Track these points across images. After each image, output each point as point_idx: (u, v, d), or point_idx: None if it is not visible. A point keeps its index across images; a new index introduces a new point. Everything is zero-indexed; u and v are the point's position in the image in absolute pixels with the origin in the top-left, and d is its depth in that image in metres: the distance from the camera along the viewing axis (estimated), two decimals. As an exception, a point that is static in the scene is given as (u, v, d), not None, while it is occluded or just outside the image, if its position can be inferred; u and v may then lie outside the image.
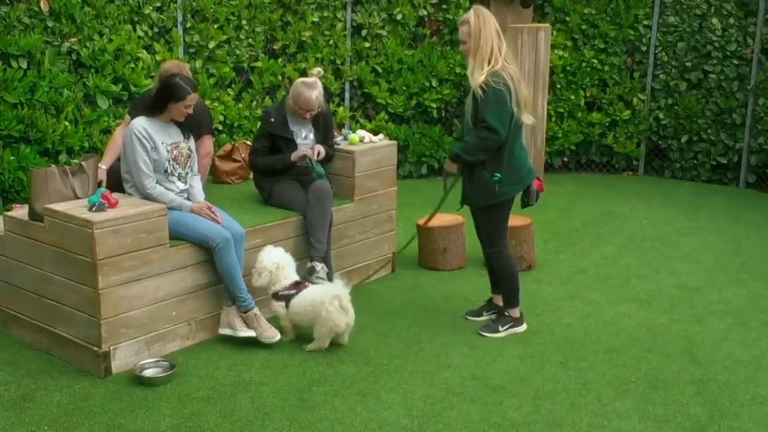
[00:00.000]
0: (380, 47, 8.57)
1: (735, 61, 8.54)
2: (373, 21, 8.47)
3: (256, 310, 4.64)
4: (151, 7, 7.08)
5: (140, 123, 4.56)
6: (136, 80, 6.81)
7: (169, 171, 4.61)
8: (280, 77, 7.99)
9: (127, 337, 4.32)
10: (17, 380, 4.20)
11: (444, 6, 8.76)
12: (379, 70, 8.59)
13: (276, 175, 5.33)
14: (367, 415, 3.91)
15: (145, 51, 6.99)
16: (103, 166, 5.20)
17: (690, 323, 5.07)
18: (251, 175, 5.70)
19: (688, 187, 8.74)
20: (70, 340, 4.35)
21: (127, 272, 4.24)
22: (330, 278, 5.02)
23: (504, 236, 4.83)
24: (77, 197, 4.51)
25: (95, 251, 4.10)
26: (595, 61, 8.98)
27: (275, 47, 8.01)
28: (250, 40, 7.79)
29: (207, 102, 7.08)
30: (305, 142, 5.34)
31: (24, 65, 6.27)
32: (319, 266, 4.98)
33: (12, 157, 6.14)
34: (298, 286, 4.70)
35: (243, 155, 6.11)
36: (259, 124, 5.59)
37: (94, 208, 4.20)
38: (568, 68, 8.97)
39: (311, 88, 5.18)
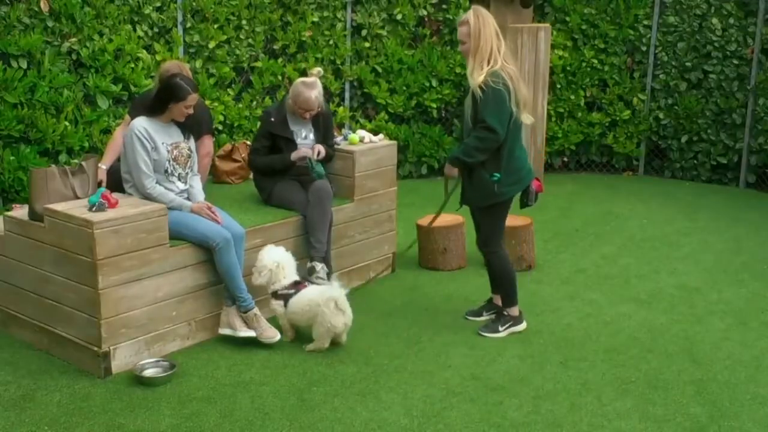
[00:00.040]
0: (380, 47, 8.57)
1: (735, 61, 8.54)
2: (373, 21, 8.47)
3: (256, 310, 4.64)
4: (151, 7, 7.09)
5: (141, 123, 4.56)
6: (136, 80, 6.81)
7: (169, 171, 4.61)
8: (280, 77, 7.99)
9: (127, 337, 4.32)
10: (17, 380, 4.20)
11: (444, 6, 8.76)
12: (379, 70, 8.59)
13: (276, 174, 5.33)
14: (367, 415, 3.91)
15: (145, 51, 7.00)
16: (103, 166, 5.20)
17: (690, 323, 5.07)
18: (251, 175, 5.69)
19: (688, 187, 8.74)
20: (70, 340, 4.36)
21: (127, 272, 4.24)
22: (330, 278, 5.02)
23: (499, 236, 4.83)
24: (77, 197, 4.51)
25: (95, 251, 4.10)
26: (595, 61, 8.98)
27: (275, 47, 8.01)
28: (250, 40, 7.79)
29: (207, 102, 7.08)
30: (305, 141, 5.34)
31: (24, 65, 6.27)
32: (319, 266, 4.98)
33: (12, 157, 6.14)
34: (297, 285, 4.70)
35: (243, 155, 6.11)
36: (259, 124, 5.59)
37: (94, 208, 4.20)
38: (568, 68, 8.97)
39: (311, 87, 5.18)
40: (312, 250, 5.07)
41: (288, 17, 8.02)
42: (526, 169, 4.76)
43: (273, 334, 4.60)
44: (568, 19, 8.97)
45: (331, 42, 8.29)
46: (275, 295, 4.70)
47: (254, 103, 7.88)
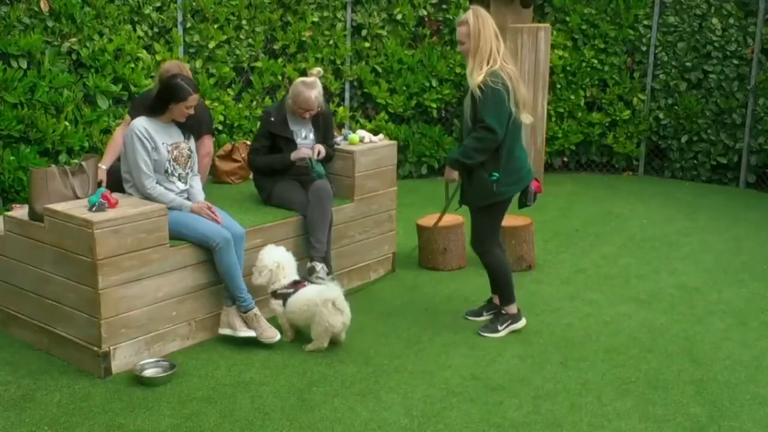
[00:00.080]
0: (380, 47, 8.57)
1: (735, 61, 8.54)
2: (373, 21, 8.47)
3: (256, 310, 4.64)
4: (151, 7, 7.09)
5: (141, 123, 4.56)
6: (136, 80, 6.81)
7: (169, 171, 4.61)
8: (280, 77, 7.99)
9: (127, 337, 4.32)
10: (17, 380, 4.20)
11: (444, 6, 8.76)
12: (379, 70, 8.59)
13: (275, 174, 5.33)
14: (367, 415, 3.91)
15: (145, 51, 7.00)
16: (103, 166, 5.20)
17: (690, 323, 5.07)
18: (251, 175, 5.69)
19: (688, 187, 8.74)
20: (70, 340, 4.35)
21: (127, 272, 4.24)
22: (330, 278, 5.02)
23: (494, 236, 4.83)
24: (77, 197, 4.51)
25: (95, 251, 4.10)
26: (595, 61, 8.99)
27: (275, 47, 8.01)
28: (250, 40, 7.79)
29: (207, 102, 7.08)
30: (305, 141, 5.34)
31: (24, 65, 6.27)
32: (319, 266, 4.98)
33: (12, 157, 6.14)
34: (296, 285, 4.70)
35: (243, 155, 6.11)
36: (258, 123, 5.59)
37: (94, 208, 4.20)
38: (568, 68, 8.97)
39: (310, 87, 5.18)
40: (312, 250, 5.07)
41: (288, 17, 8.02)
42: (525, 169, 4.76)
43: (273, 334, 4.60)
44: (568, 19, 8.97)
45: (331, 42, 8.29)
46: (274, 294, 4.70)
47: (254, 103, 7.88)
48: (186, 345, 4.61)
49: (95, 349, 4.23)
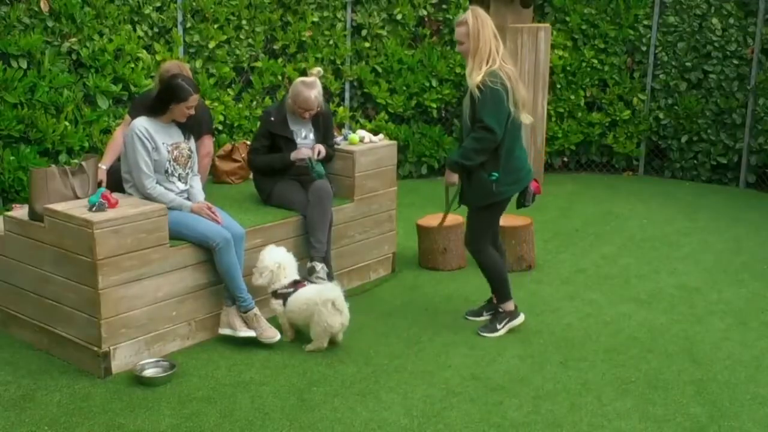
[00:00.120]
0: (380, 47, 8.57)
1: (735, 61, 8.54)
2: (373, 21, 8.47)
3: (256, 310, 4.64)
4: (151, 7, 7.09)
5: (141, 123, 4.56)
6: (136, 80, 6.81)
7: (169, 171, 4.61)
8: (280, 77, 7.99)
9: (127, 337, 4.32)
10: (17, 380, 4.20)
11: (444, 6, 8.76)
12: (379, 70, 8.59)
13: (275, 174, 5.33)
14: (367, 415, 3.91)
15: (145, 51, 6.99)
16: (103, 166, 5.20)
17: (690, 323, 5.07)
18: (251, 175, 5.69)
19: (688, 187, 8.74)
20: (70, 340, 4.35)
21: (127, 272, 4.24)
22: (331, 278, 5.02)
23: (489, 235, 4.82)
24: (77, 197, 4.51)
25: (95, 251, 4.10)
26: (595, 61, 8.99)
27: (275, 47, 8.01)
28: (250, 40, 7.79)
29: (207, 102, 7.08)
30: (305, 141, 5.34)
31: (24, 65, 6.27)
32: (319, 266, 4.98)
33: (12, 157, 6.14)
34: (296, 285, 4.70)
35: (243, 155, 6.10)
36: (258, 123, 5.59)
37: (94, 208, 4.20)
38: (568, 68, 8.97)
39: (310, 87, 5.18)
40: (312, 250, 5.07)
41: (288, 17, 8.02)
42: (525, 169, 4.76)
43: (273, 334, 4.60)
44: (568, 19, 8.97)
45: (331, 42, 8.29)
46: (275, 294, 4.70)
47: (254, 103, 7.88)
48: (186, 345, 4.61)
49: (95, 349, 4.23)
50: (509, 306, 4.90)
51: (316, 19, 8.12)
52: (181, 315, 4.56)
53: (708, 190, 8.62)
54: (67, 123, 6.43)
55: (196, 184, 4.82)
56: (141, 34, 7.03)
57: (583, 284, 5.75)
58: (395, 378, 4.30)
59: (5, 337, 4.69)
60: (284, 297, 4.67)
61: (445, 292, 5.58)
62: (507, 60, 4.60)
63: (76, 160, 6.14)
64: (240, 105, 7.75)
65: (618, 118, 9.07)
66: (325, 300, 4.48)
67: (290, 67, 8.02)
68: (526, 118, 4.65)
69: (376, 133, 6.05)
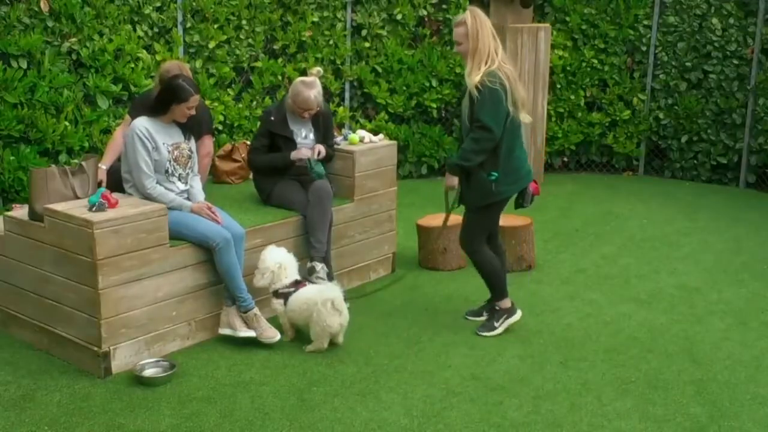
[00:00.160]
0: (380, 47, 8.57)
1: (735, 61, 8.54)
2: (373, 21, 8.47)
3: (256, 310, 4.64)
4: (151, 7, 7.09)
5: (142, 123, 4.56)
6: (136, 80, 6.81)
7: (169, 171, 4.61)
8: (280, 77, 7.99)
9: (127, 337, 4.32)
10: (17, 380, 4.20)
11: (444, 6, 8.76)
12: (379, 70, 8.59)
13: (275, 173, 5.32)
14: (367, 415, 3.91)
15: (145, 51, 6.99)
16: (103, 166, 5.20)
17: (690, 323, 5.07)
18: (251, 175, 5.69)
19: (688, 187, 8.74)
20: (70, 340, 4.35)
21: (127, 272, 4.24)
22: (330, 278, 5.02)
23: (485, 235, 4.82)
24: (77, 197, 4.51)
25: (95, 251, 4.10)
26: (595, 61, 8.98)
27: (275, 47, 8.01)
28: (250, 40, 7.79)
29: (207, 102, 7.08)
30: (305, 141, 5.34)
31: (24, 65, 6.27)
32: (319, 266, 4.98)
33: (12, 157, 6.14)
34: (297, 284, 4.70)
35: (243, 155, 6.10)
36: (259, 123, 5.59)
37: (94, 208, 4.20)
38: (568, 68, 8.97)
39: (310, 87, 5.18)
40: (312, 250, 5.07)
41: (288, 17, 8.02)
42: (525, 169, 4.76)
43: (273, 334, 4.60)
44: (568, 19, 8.97)
45: (331, 42, 8.29)
46: (276, 293, 4.70)
47: (254, 103, 7.88)
48: (186, 345, 4.61)
49: (95, 349, 4.23)
50: (506, 303, 4.90)
51: (316, 19, 8.12)
52: (181, 315, 4.56)
53: (708, 190, 8.62)
54: (67, 123, 6.43)
55: (196, 184, 4.82)
56: (141, 34, 7.03)
57: (583, 284, 5.75)
58: (395, 378, 4.30)
59: (5, 337, 4.69)
60: (285, 296, 4.67)
61: (445, 292, 5.58)
62: (505, 60, 4.60)
63: (76, 160, 6.14)
64: (240, 105, 7.75)
65: (618, 118, 9.07)
66: (324, 300, 4.49)
67: (290, 67, 8.02)
68: (525, 118, 4.65)
69: (376, 133, 6.05)
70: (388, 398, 4.08)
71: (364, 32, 8.50)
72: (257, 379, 4.25)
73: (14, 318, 4.67)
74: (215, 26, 7.50)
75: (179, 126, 4.69)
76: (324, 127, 5.42)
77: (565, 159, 9.37)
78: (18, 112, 6.17)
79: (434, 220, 5.96)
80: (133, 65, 6.86)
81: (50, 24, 6.45)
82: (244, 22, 7.70)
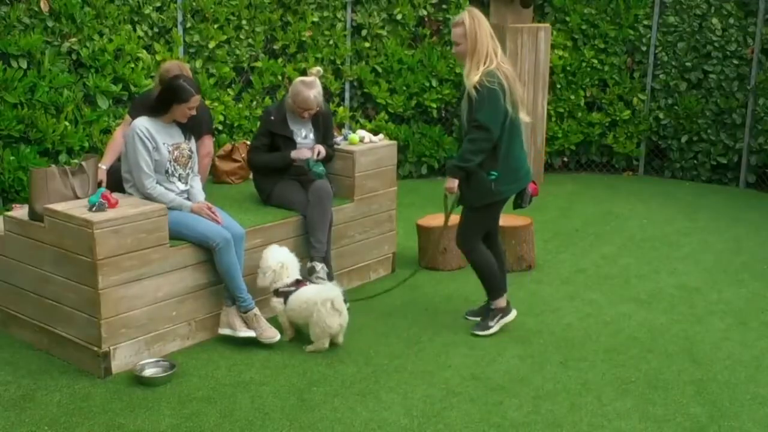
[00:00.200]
0: (380, 47, 8.57)
1: (735, 61, 8.53)
2: (373, 21, 8.47)
3: (256, 310, 4.64)
4: (151, 7, 7.09)
5: (142, 123, 4.56)
6: (136, 80, 6.81)
7: (170, 172, 4.61)
8: (280, 77, 7.99)
9: (127, 337, 4.32)
10: (17, 380, 4.20)
11: (444, 6, 8.76)
12: (379, 70, 8.59)
13: (275, 173, 5.32)
14: (367, 415, 3.91)
15: (145, 51, 6.99)
16: (103, 166, 5.20)
17: (690, 323, 5.07)
18: (251, 175, 5.69)
19: (688, 187, 8.74)
20: (70, 340, 4.35)
21: (127, 272, 4.24)
22: (330, 278, 5.02)
23: (481, 235, 4.82)
24: (77, 197, 4.51)
25: (95, 251, 4.10)
26: (595, 61, 8.98)
27: (275, 47, 8.01)
28: (250, 40, 7.79)
29: (207, 102, 7.08)
30: (305, 141, 5.34)
31: (24, 65, 6.27)
32: (319, 266, 4.98)
33: (12, 157, 6.14)
34: (298, 284, 4.70)
35: (243, 155, 6.10)
36: (259, 122, 5.60)
37: (94, 208, 4.20)
38: (568, 68, 8.96)
39: (310, 87, 5.18)
40: (312, 250, 5.07)
41: (288, 17, 8.02)
42: (524, 169, 4.75)
43: (273, 335, 4.60)
44: (568, 19, 8.97)
45: (331, 42, 8.29)
46: (276, 292, 4.70)
47: (254, 103, 7.88)
48: (186, 345, 4.61)
49: (95, 349, 4.23)
50: (501, 303, 4.90)
51: (316, 19, 8.12)
52: (181, 315, 4.56)
53: (708, 190, 8.62)
54: (67, 123, 6.43)
55: (196, 184, 4.82)
56: (141, 34, 7.03)
57: (583, 284, 5.75)
58: (395, 378, 4.30)
59: (5, 337, 4.69)
60: (285, 295, 4.67)
61: (445, 292, 5.58)
62: (504, 60, 4.60)
63: (76, 160, 6.14)
64: (240, 105, 7.75)
65: (618, 118, 9.07)
66: (324, 300, 4.49)
67: (290, 67, 8.02)
68: (524, 117, 4.65)
69: (376, 133, 6.05)
70: (388, 398, 4.08)
71: (364, 32, 8.51)
72: (257, 379, 4.25)
73: (14, 318, 4.67)
74: (215, 26, 7.50)
75: (179, 126, 4.69)
76: (324, 127, 5.42)
77: (565, 159, 9.37)
78: (18, 112, 6.17)
79: (434, 220, 5.95)
80: (133, 65, 6.86)
81: (50, 24, 6.45)
82: (244, 22, 7.70)
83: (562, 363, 4.50)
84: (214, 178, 6.13)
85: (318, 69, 5.39)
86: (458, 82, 8.72)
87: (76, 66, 6.66)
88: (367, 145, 5.72)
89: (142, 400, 4.02)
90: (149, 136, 4.53)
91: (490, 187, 4.60)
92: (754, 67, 8.40)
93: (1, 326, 4.77)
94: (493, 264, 4.87)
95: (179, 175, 4.67)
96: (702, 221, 7.38)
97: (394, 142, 6.03)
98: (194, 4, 7.36)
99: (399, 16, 8.52)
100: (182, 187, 4.70)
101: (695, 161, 8.96)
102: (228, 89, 7.72)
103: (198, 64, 7.43)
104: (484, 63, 4.50)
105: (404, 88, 8.59)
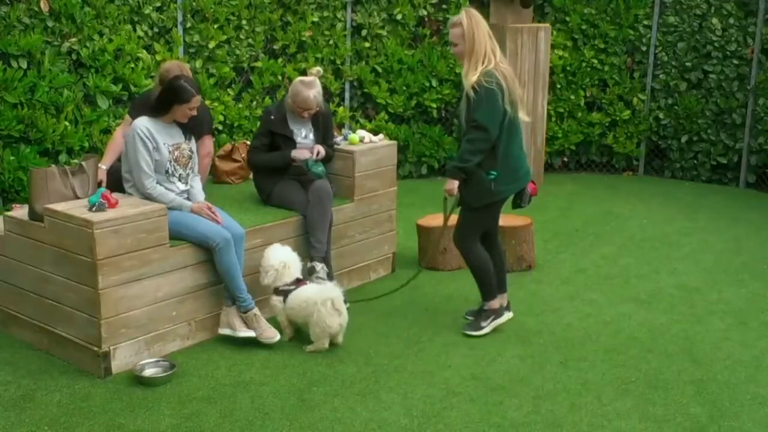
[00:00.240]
0: (380, 47, 8.57)
1: (735, 61, 8.54)
2: (373, 21, 8.47)
3: (255, 310, 4.64)
4: (151, 7, 7.09)
5: (143, 123, 4.56)
6: (136, 80, 6.81)
7: (170, 172, 4.61)
8: (280, 77, 7.99)
9: (127, 337, 4.32)
10: (17, 380, 4.20)
11: (444, 6, 8.76)
12: (379, 70, 8.59)
13: (275, 173, 5.32)
14: (367, 415, 3.91)
15: (145, 51, 7.00)
16: (103, 166, 5.20)
17: (690, 323, 5.07)
18: (251, 175, 5.70)
19: (688, 187, 8.74)
20: (70, 340, 4.35)
21: (127, 272, 4.24)
22: (330, 278, 5.02)
23: (479, 234, 4.82)
24: (77, 197, 4.51)
25: (95, 251, 4.10)
26: (595, 61, 8.98)
27: (275, 47, 8.01)
28: (250, 40, 7.79)
29: (207, 102, 7.08)
30: (305, 141, 5.34)
31: (24, 65, 6.27)
32: (319, 266, 4.98)
33: (12, 157, 6.14)
34: (298, 283, 4.71)
35: (243, 155, 6.10)
36: (259, 122, 5.60)
37: (94, 208, 4.20)
38: (568, 68, 8.97)
39: (309, 87, 5.18)
40: (312, 250, 5.07)
41: (288, 17, 8.02)
42: (524, 170, 4.75)
43: (273, 335, 4.60)
44: (568, 19, 8.97)
45: (331, 42, 8.29)
46: (276, 290, 4.70)
47: (254, 103, 7.88)
48: (186, 345, 4.61)
49: (95, 349, 4.23)
50: (494, 304, 4.89)
51: (316, 19, 8.13)
52: (181, 315, 4.56)
53: (708, 190, 8.62)
54: (67, 123, 6.43)
55: (197, 185, 4.82)
56: (141, 34, 7.04)
57: (583, 284, 5.75)
58: (395, 378, 4.30)
59: (5, 337, 4.69)
60: (285, 294, 4.67)
61: (445, 292, 5.58)
62: (502, 59, 4.60)
63: (76, 160, 6.15)
64: (240, 105, 7.75)
65: (618, 118, 9.07)
66: (324, 300, 4.49)
67: (290, 67, 8.02)
68: (523, 117, 4.65)
69: (376, 133, 6.05)
70: (388, 398, 4.08)
71: (364, 32, 8.51)
72: (257, 379, 4.25)
73: (14, 318, 4.67)
74: (215, 26, 7.50)
75: (180, 126, 4.69)
76: (324, 127, 5.42)
77: (565, 159, 9.37)
78: (18, 112, 6.17)
79: (434, 220, 5.95)
80: (133, 65, 6.86)
81: (50, 24, 6.45)
82: (244, 22, 7.70)
83: (562, 363, 4.50)
84: (214, 178, 6.14)
85: (318, 69, 5.39)
86: (458, 82, 8.71)
87: (76, 66, 6.66)
88: (367, 145, 5.72)
89: (142, 400, 4.02)
90: (149, 136, 4.53)
91: (489, 186, 4.60)
92: (754, 67, 8.40)
93: (1, 326, 4.77)
94: (488, 265, 4.86)
95: (179, 175, 4.67)
96: (702, 221, 7.38)
97: (394, 142, 6.03)
98: (194, 4, 7.36)
99: (399, 16, 8.52)
100: (182, 187, 4.70)
101: (695, 161, 8.96)
102: (228, 89, 7.73)
103: (198, 64, 7.43)
104: (483, 63, 4.50)
105: (404, 88, 8.59)
